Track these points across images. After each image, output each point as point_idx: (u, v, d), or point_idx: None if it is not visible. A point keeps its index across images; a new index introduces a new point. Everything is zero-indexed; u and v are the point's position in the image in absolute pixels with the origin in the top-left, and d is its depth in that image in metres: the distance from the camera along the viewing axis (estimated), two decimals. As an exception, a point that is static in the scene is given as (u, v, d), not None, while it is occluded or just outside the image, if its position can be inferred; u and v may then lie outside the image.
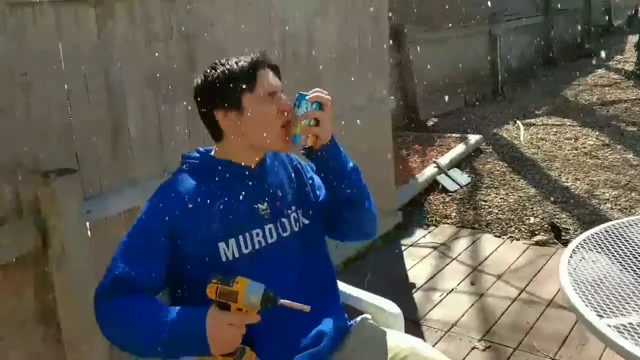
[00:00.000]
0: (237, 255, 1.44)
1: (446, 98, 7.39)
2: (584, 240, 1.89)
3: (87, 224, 2.01)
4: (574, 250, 1.82)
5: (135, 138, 2.24)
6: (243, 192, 1.49)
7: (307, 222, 1.59)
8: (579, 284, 1.61)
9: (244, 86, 1.44)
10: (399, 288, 3.39)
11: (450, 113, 7.29)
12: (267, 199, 1.53)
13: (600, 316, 1.48)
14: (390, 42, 6.37)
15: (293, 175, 1.63)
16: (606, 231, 1.99)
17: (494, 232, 4.02)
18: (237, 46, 2.63)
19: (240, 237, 1.45)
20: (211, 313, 1.31)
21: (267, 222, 1.51)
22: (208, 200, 1.44)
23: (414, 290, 3.35)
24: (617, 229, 2.01)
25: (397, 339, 1.61)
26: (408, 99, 6.60)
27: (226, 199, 1.46)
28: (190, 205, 1.43)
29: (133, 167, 2.24)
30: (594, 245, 1.87)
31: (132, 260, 1.41)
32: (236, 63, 1.47)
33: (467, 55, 7.88)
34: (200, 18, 2.47)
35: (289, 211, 1.56)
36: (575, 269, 1.70)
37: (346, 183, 1.54)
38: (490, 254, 3.72)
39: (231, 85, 1.44)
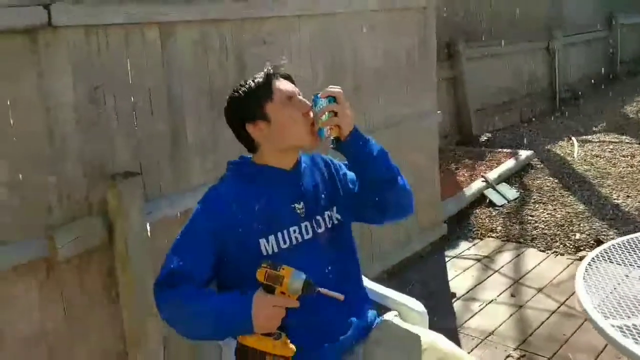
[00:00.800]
0: (276, 250, 1.62)
1: (501, 114, 7.42)
2: (604, 250, 1.98)
3: (147, 223, 2.25)
4: (592, 259, 1.91)
5: (192, 146, 2.47)
6: (281, 193, 1.67)
7: (339, 219, 1.75)
8: (592, 289, 1.71)
9: (264, 96, 1.63)
10: (439, 297, 3.49)
11: (504, 129, 7.29)
12: (302, 198, 1.70)
13: (606, 317, 1.57)
14: (444, 56, 6.50)
15: (327, 175, 1.79)
16: (627, 243, 2.06)
17: (539, 247, 4.06)
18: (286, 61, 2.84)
19: (279, 234, 1.63)
20: (258, 294, 1.49)
21: (303, 220, 1.68)
22: (249, 201, 1.64)
23: (454, 300, 3.44)
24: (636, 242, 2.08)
25: (418, 333, 1.74)
26: (461, 114, 6.67)
27: (266, 199, 1.65)
28: (234, 206, 1.62)
29: (189, 173, 2.46)
30: (612, 256, 1.95)
31: (183, 256, 1.61)
32: (253, 80, 1.67)
33: (524, 71, 7.87)
34: (253, 37, 2.68)
35: (323, 209, 1.73)
36: (590, 275, 1.79)
37: (377, 166, 1.67)
38: (533, 268, 3.77)
39: (253, 99, 1.64)
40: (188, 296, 1.56)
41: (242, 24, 2.65)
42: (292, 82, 1.71)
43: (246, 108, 1.66)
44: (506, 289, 3.52)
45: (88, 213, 2.13)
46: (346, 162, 1.77)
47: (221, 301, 1.55)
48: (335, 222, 1.74)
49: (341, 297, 1.51)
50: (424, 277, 3.74)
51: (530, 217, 4.51)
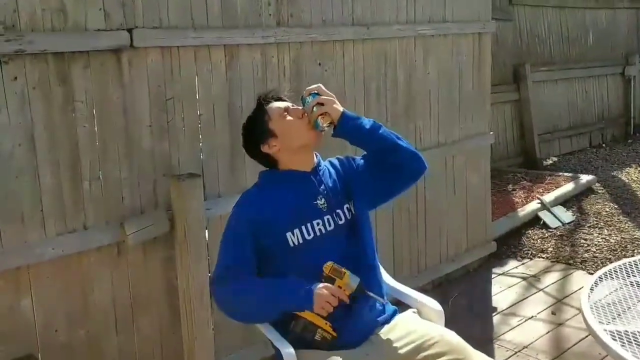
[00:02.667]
0: (301, 241, 1.90)
1: (569, 138, 7.37)
2: (612, 269, 2.10)
3: (206, 218, 2.56)
4: (599, 277, 2.04)
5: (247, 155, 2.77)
6: (304, 191, 1.95)
7: (357, 211, 2.00)
8: (595, 302, 1.85)
9: (265, 118, 1.95)
10: (480, 309, 3.62)
11: (571, 153, 7.25)
12: (323, 194, 1.97)
13: (602, 323, 1.72)
14: (510, 79, 6.57)
15: (344, 172, 2.06)
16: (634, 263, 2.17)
17: (588, 270, 4.09)
18: (339, 81, 3.12)
19: (303, 227, 1.91)
20: (323, 282, 1.81)
21: (325, 214, 1.95)
22: (277, 200, 1.93)
23: (494, 313, 3.57)
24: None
25: (429, 327, 1.94)
26: (525, 137, 6.71)
27: (291, 196, 1.94)
28: (263, 205, 1.93)
29: (244, 178, 2.76)
30: (619, 275, 2.07)
31: (233, 251, 1.93)
32: (252, 112, 2.01)
33: (597, 96, 7.79)
34: (309, 58, 2.97)
35: (343, 203, 1.99)
36: (595, 291, 1.93)
37: (374, 137, 1.95)
38: (579, 289, 3.81)
39: (258, 124, 1.96)
40: (251, 283, 1.88)
41: (301, 47, 2.95)
42: (284, 100, 2.01)
43: (255, 134, 1.98)
44: (548, 307, 3.60)
45: (155, 207, 2.48)
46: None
47: (287, 284, 1.85)
48: (353, 213, 1.99)
49: (383, 300, 1.88)
50: (468, 290, 3.87)
51: (583, 241, 4.54)
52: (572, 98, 7.43)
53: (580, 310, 1.85)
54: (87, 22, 2.24)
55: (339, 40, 3.11)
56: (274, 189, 1.97)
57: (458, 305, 3.65)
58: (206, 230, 2.61)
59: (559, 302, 3.67)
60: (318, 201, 1.95)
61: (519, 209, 4.94)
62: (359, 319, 1.88)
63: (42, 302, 2.25)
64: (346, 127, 1.94)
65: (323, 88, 1.96)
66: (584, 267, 4.14)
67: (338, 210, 1.97)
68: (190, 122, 2.57)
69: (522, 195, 5.32)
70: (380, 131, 1.97)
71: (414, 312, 2.09)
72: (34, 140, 2.17)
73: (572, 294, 3.77)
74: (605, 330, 1.65)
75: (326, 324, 1.79)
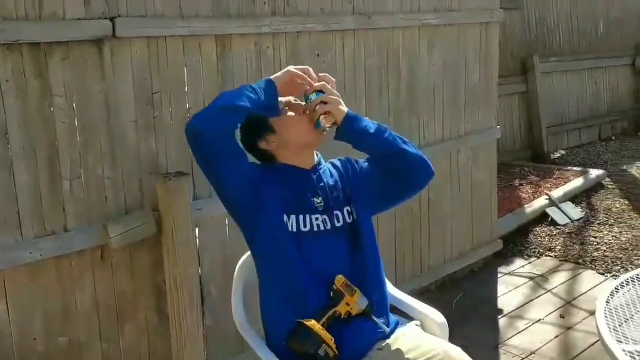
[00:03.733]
0: (295, 230, 1.77)
1: (578, 130, 7.19)
2: (631, 277, 1.95)
3: (194, 218, 2.42)
4: (616, 287, 1.89)
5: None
6: (302, 186, 1.83)
7: (358, 216, 1.86)
8: (612, 314, 1.70)
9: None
10: (485, 312, 3.48)
11: (580, 146, 7.08)
12: (321, 193, 1.83)
13: (620, 342, 1.57)
14: (518, 71, 6.39)
15: (346, 174, 1.92)
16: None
17: (598, 269, 3.95)
18: (339, 73, 2.96)
19: (301, 216, 1.78)
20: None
21: (322, 213, 1.82)
22: (274, 184, 1.81)
23: (500, 316, 3.42)
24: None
25: (433, 342, 1.80)
26: (532, 129, 6.53)
27: (287, 188, 1.81)
28: (268, 177, 1.82)
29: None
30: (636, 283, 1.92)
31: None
32: None
33: (606, 87, 7.60)
34: (306, 49, 2.81)
35: (342, 205, 1.85)
36: (612, 301, 1.78)
37: (378, 141, 1.82)
38: (588, 290, 3.67)
39: (256, 118, 1.81)
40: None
41: (298, 37, 2.79)
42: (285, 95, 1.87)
43: (253, 128, 1.84)
44: (556, 310, 3.45)
45: (140, 207, 2.33)
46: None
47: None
48: (354, 218, 1.85)
49: (387, 329, 1.77)
50: (472, 291, 3.73)
51: (592, 239, 4.38)
52: (581, 90, 7.24)
53: (597, 328, 1.69)
54: (66, 11, 2.09)
55: (338, 30, 2.95)
56: (271, 175, 1.85)
57: (462, 308, 3.51)
58: (196, 232, 2.48)
59: (568, 304, 3.53)
60: (315, 198, 1.83)
61: (526, 205, 4.78)
62: (360, 335, 1.75)
63: (19, 309, 2.11)
64: (350, 130, 1.80)
65: (328, 86, 1.80)
66: (593, 266, 3.99)
67: (336, 212, 1.84)
68: (178, 117, 2.41)
69: (530, 191, 5.16)
70: (386, 135, 1.83)
71: (417, 324, 1.94)
72: (8, 137, 2.03)
73: (581, 295, 3.62)
74: (624, 351, 1.50)
75: (331, 339, 1.66)
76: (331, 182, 1.88)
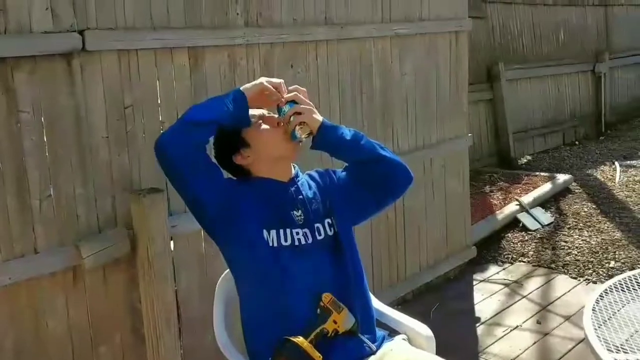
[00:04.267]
0: (277, 244, 1.73)
1: (543, 136, 7.31)
2: (618, 282, 1.96)
3: (170, 235, 2.35)
4: (604, 290, 1.90)
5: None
6: (281, 200, 1.79)
7: (339, 227, 1.82)
8: (600, 322, 1.70)
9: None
10: (462, 320, 3.48)
11: (545, 152, 7.20)
12: (301, 207, 1.79)
13: (610, 351, 1.57)
14: (484, 78, 6.47)
15: (324, 185, 1.89)
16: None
17: (570, 274, 3.99)
18: (313, 84, 2.93)
19: (281, 231, 1.74)
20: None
21: (303, 227, 1.77)
22: (253, 198, 1.76)
23: (477, 324, 3.42)
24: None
25: (422, 356, 1.77)
26: (500, 136, 6.62)
27: (266, 202, 1.77)
28: (245, 192, 1.78)
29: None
30: (625, 289, 1.93)
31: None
32: None
33: (569, 93, 7.76)
34: (280, 60, 2.78)
35: (323, 217, 1.82)
36: (600, 308, 1.78)
37: (355, 148, 1.80)
38: (562, 295, 3.71)
39: (229, 133, 1.77)
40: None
41: (271, 48, 2.75)
42: (259, 107, 1.83)
43: (227, 143, 1.81)
44: (532, 316, 3.47)
45: (114, 225, 2.25)
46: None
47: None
48: (336, 229, 1.82)
49: (374, 348, 1.73)
50: (449, 299, 3.73)
51: (563, 243, 4.44)
52: (545, 96, 7.38)
53: (585, 337, 1.69)
54: (32, 23, 2.00)
55: (311, 40, 2.92)
56: (249, 190, 1.80)
57: (440, 317, 3.50)
58: (172, 249, 2.41)
59: (544, 309, 3.55)
60: (295, 212, 1.79)
61: (497, 212, 4.82)
62: (346, 353, 1.71)
63: (-13, 336, 2.01)
64: (326, 139, 1.77)
65: (300, 96, 1.77)
66: (566, 270, 4.04)
67: (317, 225, 1.80)
68: (151, 131, 2.34)
69: (500, 197, 5.20)
70: (363, 142, 1.81)
71: (403, 338, 1.91)
72: (-27, 156, 1.94)
73: (555, 300, 3.66)
74: None
75: (320, 357, 1.62)
76: (310, 195, 1.84)
